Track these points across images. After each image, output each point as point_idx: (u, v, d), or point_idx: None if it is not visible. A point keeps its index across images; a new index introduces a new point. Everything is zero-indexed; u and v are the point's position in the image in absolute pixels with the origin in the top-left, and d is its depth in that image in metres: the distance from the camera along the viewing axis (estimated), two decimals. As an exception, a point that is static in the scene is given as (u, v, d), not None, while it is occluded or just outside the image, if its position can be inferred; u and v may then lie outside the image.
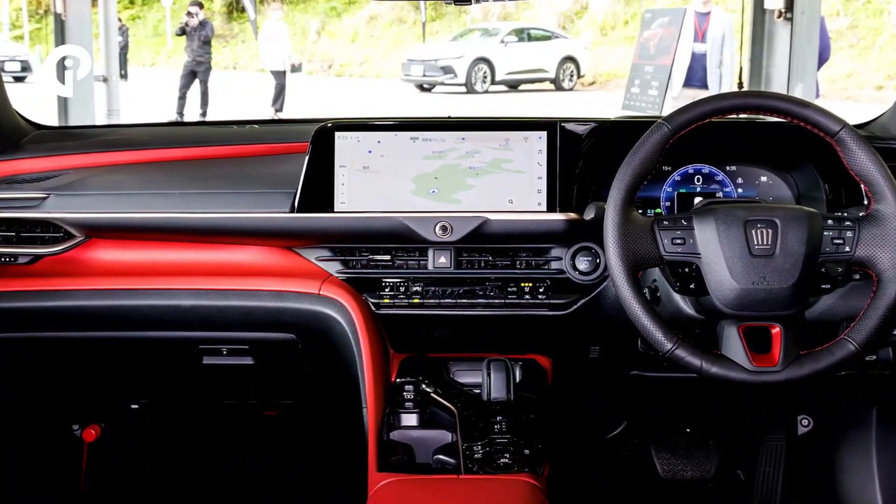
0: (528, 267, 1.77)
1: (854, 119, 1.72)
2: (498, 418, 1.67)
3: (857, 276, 1.52)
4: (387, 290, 1.77)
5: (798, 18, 5.19)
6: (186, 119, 10.74)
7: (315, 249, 1.80)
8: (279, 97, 11.88)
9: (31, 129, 2.05)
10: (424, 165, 1.75)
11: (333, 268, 1.79)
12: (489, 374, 1.72)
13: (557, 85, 15.97)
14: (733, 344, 1.42)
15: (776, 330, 1.41)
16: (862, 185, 1.45)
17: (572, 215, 1.71)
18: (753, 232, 1.42)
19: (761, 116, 1.51)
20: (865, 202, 1.48)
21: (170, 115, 10.79)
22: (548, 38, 16.39)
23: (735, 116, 1.51)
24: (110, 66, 6.41)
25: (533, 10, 18.74)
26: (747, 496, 2.29)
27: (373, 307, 1.77)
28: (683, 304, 1.53)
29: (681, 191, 1.84)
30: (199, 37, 11.13)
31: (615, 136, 1.78)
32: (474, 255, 1.77)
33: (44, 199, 1.80)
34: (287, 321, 1.77)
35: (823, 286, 1.47)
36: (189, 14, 11.23)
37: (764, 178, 1.84)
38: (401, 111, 13.30)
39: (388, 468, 1.58)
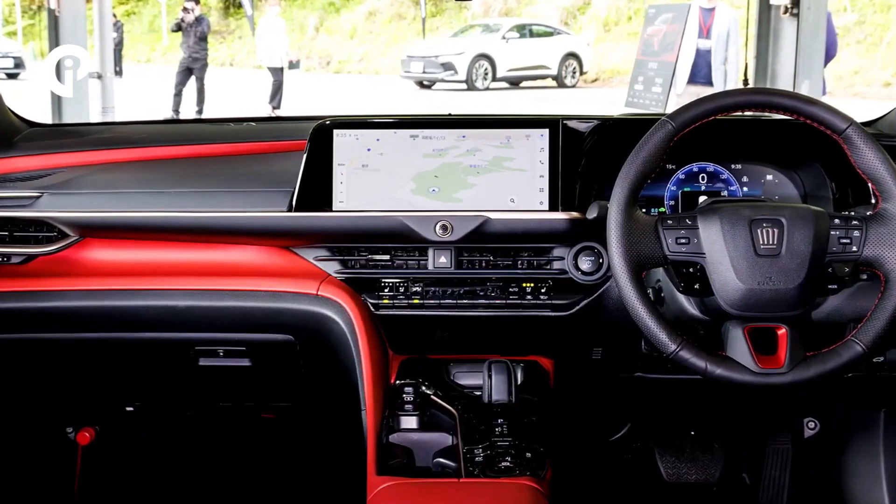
0: (530, 267, 1.74)
1: (861, 116, 1.71)
2: (499, 421, 1.65)
3: (865, 277, 1.50)
4: (386, 290, 1.75)
5: (804, 14, 5.16)
6: (182, 116, 10.72)
7: (313, 249, 1.78)
8: (276, 94, 11.84)
9: (24, 126, 2.04)
10: (424, 164, 1.73)
11: (332, 268, 1.77)
12: (490, 376, 1.72)
13: (560, 82, 15.92)
14: (738, 345, 1.40)
15: (782, 331, 1.40)
16: (869, 184, 1.44)
17: (575, 214, 1.68)
18: (759, 231, 1.41)
19: (767, 114, 1.49)
20: (873, 201, 1.47)
21: (165, 113, 10.77)
22: (550, 34, 16.34)
23: (740, 114, 1.49)
24: (105, 62, 6.37)
25: (535, 6, 18.72)
26: (753, 500, 2.27)
27: (372, 308, 1.75)
28: (688, 305, 1.52)
29: (685, 189, 1.82)
30: (195, 33, 11.08)
31: (618, 133, 1.76)
32: (475, 255, 1.75)
33: (37, 197, 1.78)
34: (284, 322, 1.76)
35: (830, 286, 1.45)
36: (185, 10, 11.17)
37: (769, 177, 1.82)
38: (400, 108, 13.27)
39: (387, 471, 1.57)
